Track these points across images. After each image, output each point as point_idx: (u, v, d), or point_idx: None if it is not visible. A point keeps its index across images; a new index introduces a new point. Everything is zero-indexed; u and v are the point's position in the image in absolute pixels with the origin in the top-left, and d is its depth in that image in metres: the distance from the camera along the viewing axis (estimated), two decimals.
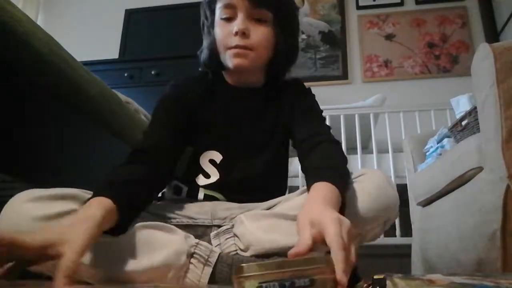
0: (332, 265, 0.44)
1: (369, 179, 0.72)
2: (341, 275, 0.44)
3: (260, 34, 0.83)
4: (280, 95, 0.93)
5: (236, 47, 0.81)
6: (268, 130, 0.90)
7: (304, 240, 0.51)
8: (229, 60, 0.83)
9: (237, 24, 0.81)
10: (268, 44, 0.85)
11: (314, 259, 0.44)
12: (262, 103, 0.92)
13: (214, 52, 0.87)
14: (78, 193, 0.66)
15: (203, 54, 0.90)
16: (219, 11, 0.84)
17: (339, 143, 0.82)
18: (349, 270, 0.46)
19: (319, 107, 0.93)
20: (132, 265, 0.62)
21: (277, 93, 0.93)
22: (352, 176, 0.74)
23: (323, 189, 0.64)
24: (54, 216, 0.61)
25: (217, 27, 0.85)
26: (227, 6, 0.82)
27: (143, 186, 0.73)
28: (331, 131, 0.86)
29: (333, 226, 0.50)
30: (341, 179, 0.69)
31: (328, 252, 0.48)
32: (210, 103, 0.90)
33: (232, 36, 0.81)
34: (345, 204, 0.67)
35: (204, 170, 0.86)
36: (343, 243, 0.48)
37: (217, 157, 0.86)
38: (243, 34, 0.81)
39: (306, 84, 0.99)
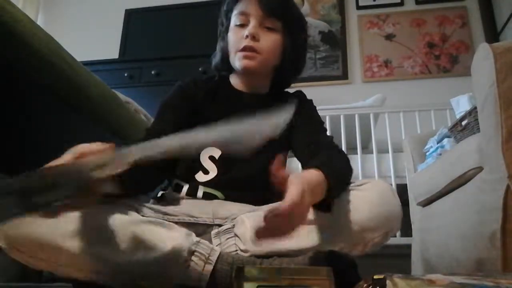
0: (331, 278, 0.44)
1: (373, 188, 0.72)
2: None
3: (269, 40, 0.88)
4: (282, 103, 0.94)
5: (245, 48, 0.87)
6: None
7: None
8: (238, 61, 0.89)
9: (248, 28, 0.87)
10: (276, 50, 0.90)
11: (314, 270, 0.44)
12: (263, 107, 0.93)
13: (225, 55, 0.93)
14: None
15: (216, 57, 0.96)
16: (234, 18, 0.91)
17: (342, 150, 0.84)
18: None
19: (320, 118, 0.96)
20: (131, 257, 0.62)
21: (278, 100, 0.95)
22: (356, 184, 0.74)
23: (307, 171, 0.65)
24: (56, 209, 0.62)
25: (231, 33, 0.91)
26: (241, 13, 0.89)
27: (134, 173, 0.74)
28: (333, 140, 0.88)
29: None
30: (333, 171, 0.68)
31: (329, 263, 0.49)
32: (213, 103, 0.93)
33: (243, 39, 0.87)
34: (332, 193, 0.66)
35: (203, 166, 0.86)
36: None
37: (216, 152, 0.87)
38: (253, 37, 0.86)
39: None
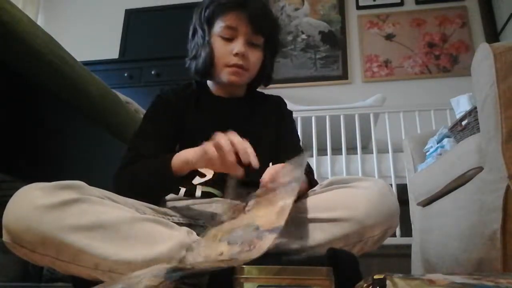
0: (331, 278, 0.44)
1: (372, 186, 0.73)
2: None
3: (255, 57, 0.92)
4: (264, 105, 1.03)
5: (235, 65, 0.90)
6: (255, 133, 0.95)
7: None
8: (226, 76, 0.91)
9: (238, 46, 0.89)
10: (259, 65, 0.95)
11: (314, 270, 0.44)
12: (247, 110, 1.00)
13: (210, 63, 0.92)
14: (82, 184, 0.67)
15: (198, 63, 0.94)
16: (220, 30, 0.90)
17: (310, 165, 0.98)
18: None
19: (297, 131, 1.08)
20: (132, 254, 0.62)
21: (259, 102, 1.03)
22: (354, 182, 0.75)
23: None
24: (58, 205, 0.62)
25: (216, 43, 0.91)
26: (229, 28, 0.90)
27: None
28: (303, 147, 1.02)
29: None
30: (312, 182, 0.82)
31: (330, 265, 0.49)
32: (197, 111, 0.95)
33: (231, 55, 0.89)
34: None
35: (199, 171, 0.87)
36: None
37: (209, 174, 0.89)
38: (243, 56, 0.89)
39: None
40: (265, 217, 0.62)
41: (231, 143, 0.67)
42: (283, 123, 1.02)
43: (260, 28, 0.90)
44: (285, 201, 0.61)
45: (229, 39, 0.90)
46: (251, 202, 0.71)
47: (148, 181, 0.80)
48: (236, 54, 0.89)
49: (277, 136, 0.99)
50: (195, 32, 0.97)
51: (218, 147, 0.68)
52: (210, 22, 0.92)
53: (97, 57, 2.88)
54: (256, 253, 0.54)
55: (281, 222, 0.58)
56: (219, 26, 0.90)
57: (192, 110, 0.95)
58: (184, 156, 0.77)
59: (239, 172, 0.68)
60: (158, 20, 3.22)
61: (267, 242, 0.55)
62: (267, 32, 0.93)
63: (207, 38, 0.92)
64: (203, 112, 0.96)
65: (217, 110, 0.97)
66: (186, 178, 0.88)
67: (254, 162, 0.67)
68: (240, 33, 0.89)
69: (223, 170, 0.71)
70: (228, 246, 0.61)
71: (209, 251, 0.63)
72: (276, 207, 0.63)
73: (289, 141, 1.00)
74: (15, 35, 0.87)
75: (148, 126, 0.93)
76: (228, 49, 0.90)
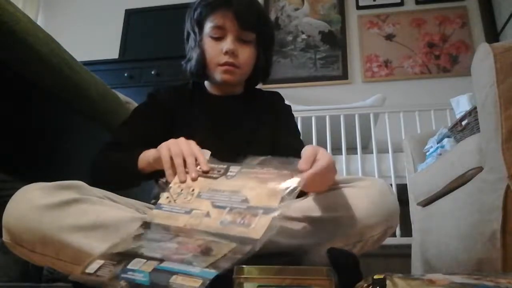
0: (332, 278, 0.44)
1: (372, 186, 0.73)
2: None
3: (246, 54, 0.93)
4: (260, 102, 1.03)
5: (225, 64, 0.90)
6: (250, 131, 0.97)
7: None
8: (219, 75, 0.92)
9: (227, 44, 0.90)
10: (252, 62, 0.96)
11: (314, 270, 0.44)
12: (243, 107, 1.00)
13: (202, 64, 0.94)
14: (82, 184, 0.67)
15: (191, 65, 0.96)
16: (209, 30, 0.92)
17: None
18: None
19: (296, 124, 1.08)
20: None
21: (255, 100, 1.03)
22: (354, 182, 0.75)
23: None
24: (58, 204, 0.62)
25: (207, 44, 0.93)
26: (218, 27, 0.91)
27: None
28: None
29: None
30: None
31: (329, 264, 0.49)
32: (190, 110, 0.96)
33: (222, 54, 0.90)
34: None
35: None
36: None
37: (206, 154, 0.88)
38: (232, 53, 0.90)
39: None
40: (255, 192, 0.59)
41: (181, 151, 0.70)
42: (280, 119, 1.02)
43: (248, 24, 0.91)
44: (276, 186, 0.58)
45: (219, 38, 0.91)
46: (234, 169, 0.68)
47: (116, 173, 0.82)
48: (226, 53, 0.90)
49: (273, 133, 0.99)
50: (188, 35, 0.99)
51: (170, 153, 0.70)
52: (200, 24, 0.94)
53: (97, 57, 2.88)
54: (253, 233, 0.52)
55: (274, 203, 0.55)
56: (208, 27, 0.92)
57: (185, 109, 0.96)
58: (147, 156, 0.78)
59: (184, 177, 0.68)
60: (158, 20, 3.22)
61: (264, 223, 0.53)
62: (256, 27, 0.93)
63: (198, 39, 0.94)
64: (196, 111, 0.97)
65: (210, 108, 0.98)
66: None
67: (204, 168, 0.69)
68: (228, 31, 0.90)
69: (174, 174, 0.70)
70: (214, 209, 0.59)
71: (186, 203, 0.61)
72: (265, 187, 0.59)
73: (286, 138, 1.00)
74: (15, 35, 0.87)
75: (134, 118, 0.95)
76: (218, 49, 0.91)
